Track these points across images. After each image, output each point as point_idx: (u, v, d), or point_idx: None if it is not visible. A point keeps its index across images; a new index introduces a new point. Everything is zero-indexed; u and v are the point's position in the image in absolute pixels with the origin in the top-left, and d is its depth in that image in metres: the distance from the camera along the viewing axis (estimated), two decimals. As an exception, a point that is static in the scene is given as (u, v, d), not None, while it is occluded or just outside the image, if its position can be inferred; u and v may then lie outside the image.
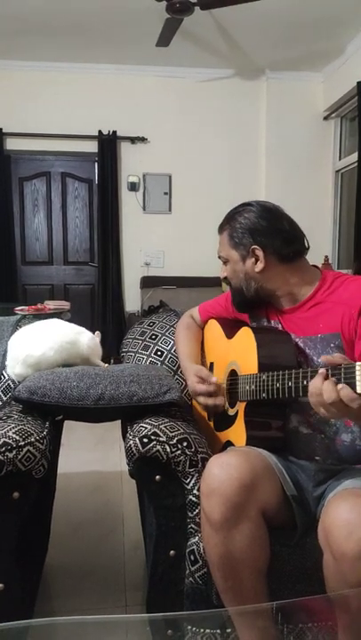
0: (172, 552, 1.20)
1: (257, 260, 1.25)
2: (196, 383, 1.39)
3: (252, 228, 1.26)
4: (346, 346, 1.16)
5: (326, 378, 0.93)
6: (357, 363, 0.88)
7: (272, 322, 1.32)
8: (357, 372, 0.87)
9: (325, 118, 4.84)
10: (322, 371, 0.94)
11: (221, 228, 1.33)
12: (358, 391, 0.88)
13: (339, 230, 4.98)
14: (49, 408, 1.29)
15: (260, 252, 1.25)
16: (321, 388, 0.93)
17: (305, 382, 1.00)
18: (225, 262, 1.33)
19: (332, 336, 1.17)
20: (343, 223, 4.93)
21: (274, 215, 1.27)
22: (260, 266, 1.25)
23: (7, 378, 1.57)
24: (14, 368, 1.47)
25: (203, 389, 1.37)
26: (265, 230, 1.25)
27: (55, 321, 1.56)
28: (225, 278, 1.36)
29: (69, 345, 1.48)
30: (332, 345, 1.17)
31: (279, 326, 1.29)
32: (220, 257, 1.35)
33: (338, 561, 0.93)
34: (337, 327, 1.17)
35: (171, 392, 1.30)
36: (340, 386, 0.91)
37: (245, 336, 1.28)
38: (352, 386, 0.88)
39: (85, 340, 1.52)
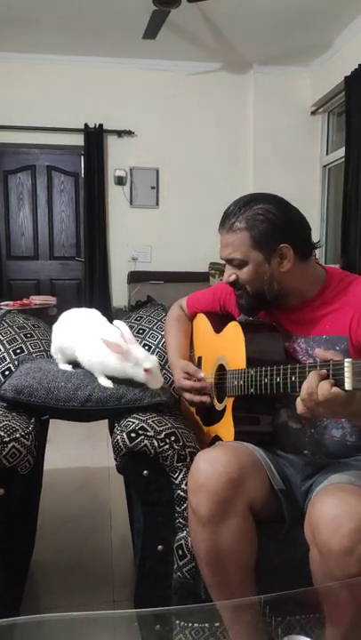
0: (160, 547, 1.20)
1: (283, 259, 1.14)
2: (182, 379, 1.38)
3: (277, 223, 1.12)
4: (352, 349, 1.11)
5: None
6: (346, 359, 0.87)
7: None
8: (346, 369, 0.86)
9: (313, 113, 4.84)
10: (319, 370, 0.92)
11: (231, 227, 1.15)
12: (347, 388, 0.86)
13: (326, 225, 5.00)
14: (35, 408, 1.27)
15: (289, 251, 1.13)
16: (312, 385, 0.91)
17: (293, 378, 1.00)
18: (240, 265, 1.17)
19: (338, 339, 1.13)
20: (330, 218, 4.95)
21: (290, 208, 1.16)
22: (287, 265, 1.13)
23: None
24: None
25: (189, 385, 1.36)
26: (290, 225, 1.14)
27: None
28: (234, 283, 1.20)
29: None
30: (337, 348, 1.11)
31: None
32: (230, 260, 1.18)
33: (324, 556, 0.93)
34: (344, 330, 1.12)
35: (160, 393, 1.29)
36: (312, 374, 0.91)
37: (234, 331, 1.27)
38: (340, 382, 0.87)
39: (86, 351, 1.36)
